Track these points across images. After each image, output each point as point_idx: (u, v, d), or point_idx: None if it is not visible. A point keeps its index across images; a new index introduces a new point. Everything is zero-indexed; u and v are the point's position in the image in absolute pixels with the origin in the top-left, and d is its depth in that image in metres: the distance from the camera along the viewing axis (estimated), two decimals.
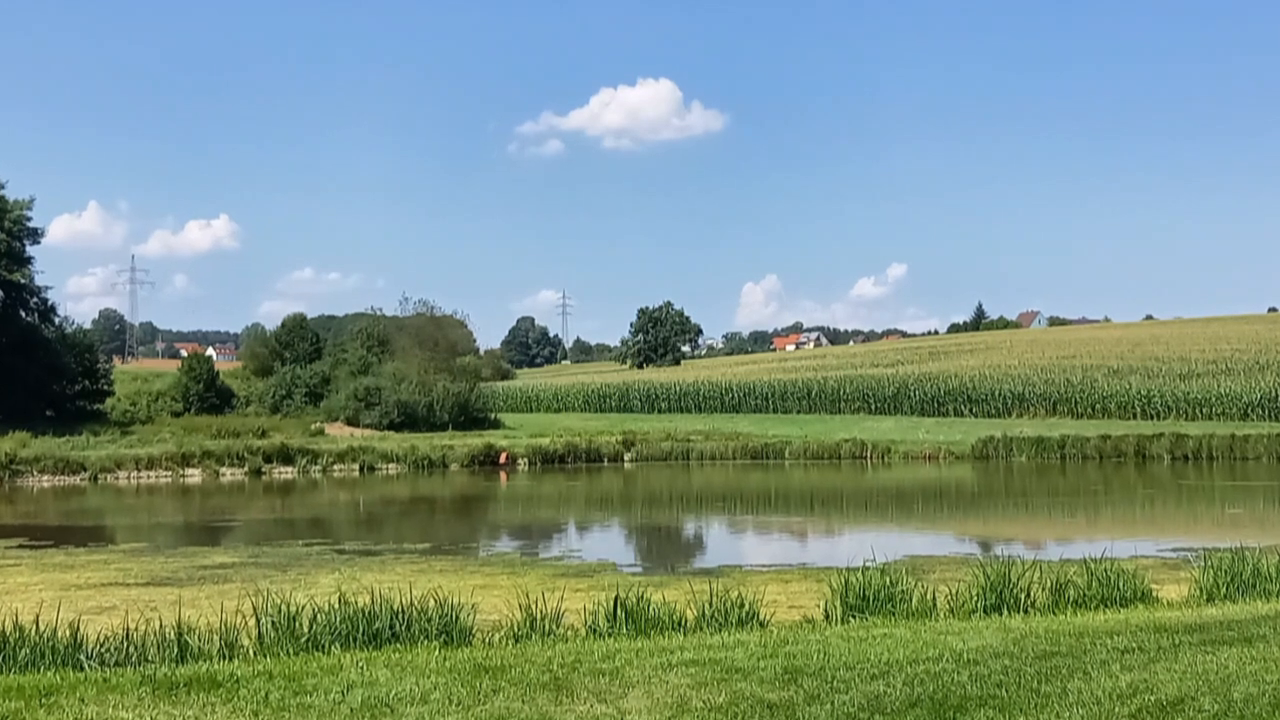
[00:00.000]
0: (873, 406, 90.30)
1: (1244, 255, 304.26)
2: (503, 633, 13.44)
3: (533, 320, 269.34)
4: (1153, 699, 8.56)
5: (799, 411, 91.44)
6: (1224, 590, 16.16)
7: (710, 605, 14.25)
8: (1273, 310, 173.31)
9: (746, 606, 14.24)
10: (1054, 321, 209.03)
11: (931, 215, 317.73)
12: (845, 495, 51.28)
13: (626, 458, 69.65)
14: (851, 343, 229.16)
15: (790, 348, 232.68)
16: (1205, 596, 16.10)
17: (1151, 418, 77.65)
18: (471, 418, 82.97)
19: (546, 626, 13.44)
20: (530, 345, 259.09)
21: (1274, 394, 76.65)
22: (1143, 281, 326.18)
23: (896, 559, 23.13)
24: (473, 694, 9.28)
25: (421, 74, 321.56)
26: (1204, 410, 77.55)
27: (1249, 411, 76.14)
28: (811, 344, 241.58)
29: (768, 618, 14.34)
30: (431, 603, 13.45)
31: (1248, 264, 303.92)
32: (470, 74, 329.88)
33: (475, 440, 70.83)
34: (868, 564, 15.63)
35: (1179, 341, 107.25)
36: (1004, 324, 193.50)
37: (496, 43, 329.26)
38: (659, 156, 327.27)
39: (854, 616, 14.33)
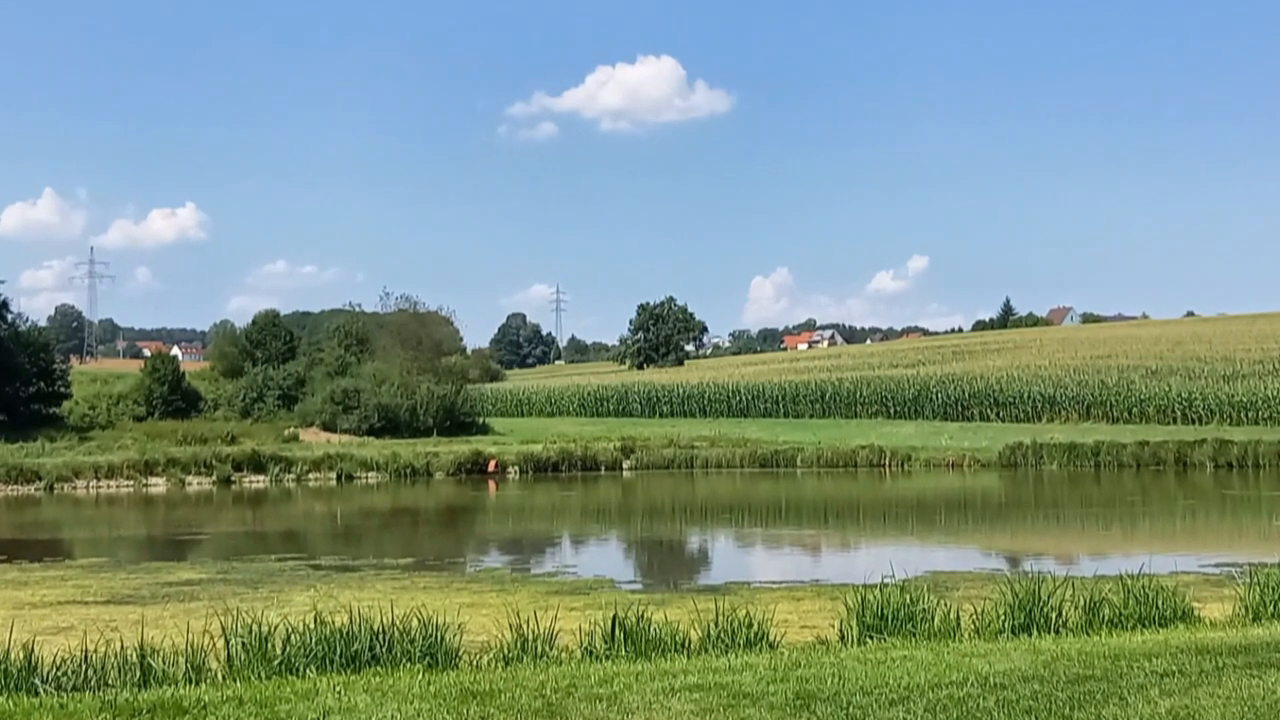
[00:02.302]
0: (891, 410, 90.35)
1: None
2: (492, 655, 13.44)
3: (524, 317, 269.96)
4: None
5: (812, 416, 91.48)
6: (1271, 609, 16.16)
7: (716, 625, 14.24)
8: None
9: (755, 626, 14.24)
10: (1087, 318, 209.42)
11: (955, 204, 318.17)
12: (862, 506, 51.30)
13: (625, 466, 69.68)
14: (869, 341, 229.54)
15: (802, 347, 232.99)
16: (1251, 616, 16.10)
17: (1193, 422, 77.67)
18: (458, 422, 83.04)
19: (539, 648, 13.44)
20: (521, 344, 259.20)
21: None
22: (1183, 275, 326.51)
23: (917, 575, 23.12)
24: None
25: (403, 51, 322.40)
26: (1250, 414, 77.59)
27: None
28: (825, 343, 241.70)
29: (778, 639, 14.33)
30: (414, 622, 13.42)
31: None
32: (456, 51, 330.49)
33: (462, 447, 70.89)
34: (886, 580, 15.62)
35: (1223, 340, 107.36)
36: (1033, 321, 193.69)
37: (485, 17, 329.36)
38: (660, 140, 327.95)
39: (871, 637, 14.32)
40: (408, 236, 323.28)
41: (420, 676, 11.51)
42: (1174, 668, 10.94)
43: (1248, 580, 17.30)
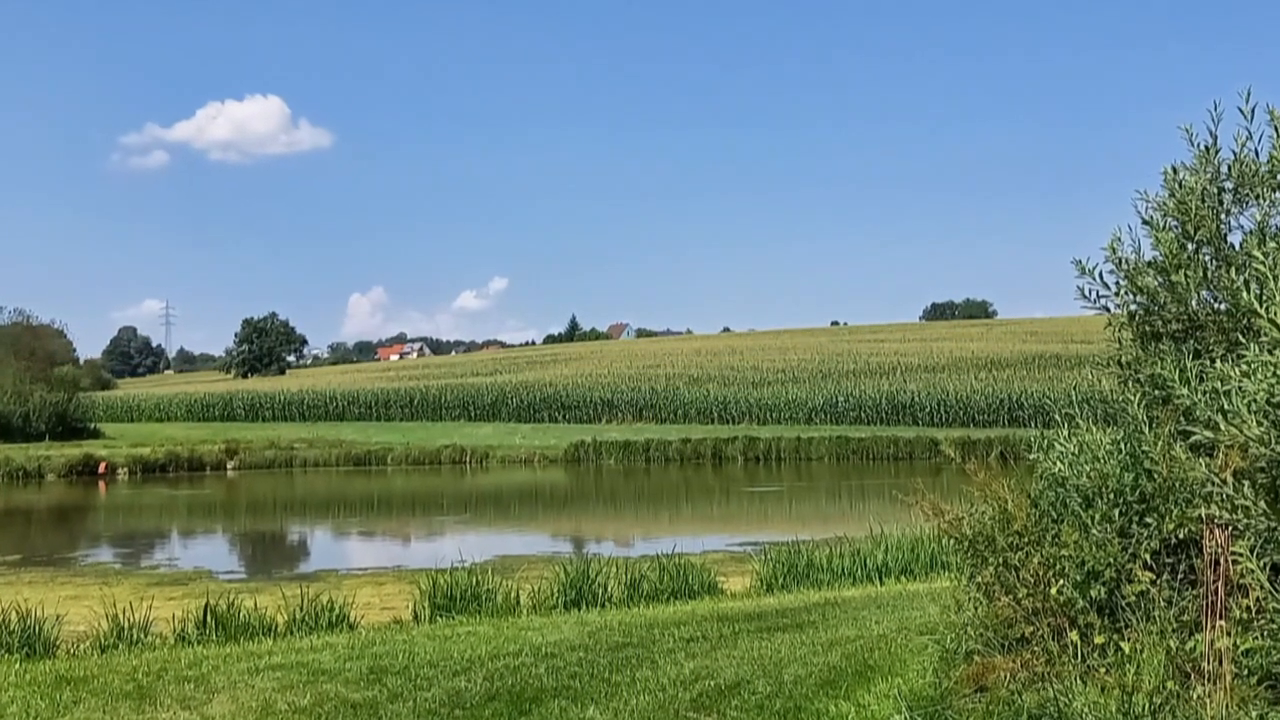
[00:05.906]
0: (472, 413, 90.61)
1: (809, 273, 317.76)
2: (89, 643, 12.92)
3: (135, 330, 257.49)
4: (713, 684, 8.86)
5: (402, 419, 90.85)
6: (781, 580, 16.96)
7: (301, 610, 14.05)
8: (834, 324, 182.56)
9: (337, 610, 14.12)
10: (641, 333, 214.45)
11: (531, 229, 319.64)
12: (446, 499, 51.18)
13: (229, 466, 67.60)
14: (453, 353, 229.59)
15: (394, 357, 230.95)
16: (765, 587, 16.86)
17: (727, 422, 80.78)
18: (70, 428, 79.11)
19: (134, 636, 12.98)
20: (133, 355, 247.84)
21: (834, 400, 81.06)
22: (722, 296, 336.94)
23: (486, 559, 23.28)
24: (52, 706, 8.90)
25: (14, 79, 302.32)
26: (774, 415, 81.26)
27: (813, 416, 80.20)
28: (415, 354, 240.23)
29: (358, 620, 14.24)
30: (14, 616, 12.82)
31: (812, 281, 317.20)
32: (66, 85, 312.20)
33: (73, 450, 67.37)
34: (456, 565, 15.69)
35: (752, 352, 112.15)
36: (596, 336, 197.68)
37: (96, 53, 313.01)
38: (267, 170, 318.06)
39: (441, 616, 14.37)
40: (22, 254, 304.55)
41: (17, 666, 10.98)
42: (698, 634, 11.33)
43: (764, 557, 18.10)
